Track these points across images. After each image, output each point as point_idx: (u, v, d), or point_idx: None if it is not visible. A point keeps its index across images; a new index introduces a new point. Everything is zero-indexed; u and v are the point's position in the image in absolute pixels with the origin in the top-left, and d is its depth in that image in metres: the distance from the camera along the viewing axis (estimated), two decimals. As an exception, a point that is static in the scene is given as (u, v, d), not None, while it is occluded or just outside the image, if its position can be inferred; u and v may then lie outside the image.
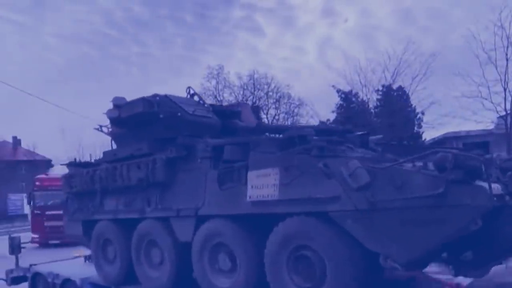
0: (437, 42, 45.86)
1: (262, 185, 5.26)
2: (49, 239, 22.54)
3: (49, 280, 8.81)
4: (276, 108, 44.13)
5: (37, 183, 24.12)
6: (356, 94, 34.24)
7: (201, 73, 62.58)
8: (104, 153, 8.13)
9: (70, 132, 54.35)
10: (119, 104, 7.36)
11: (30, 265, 10.00)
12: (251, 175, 5.38)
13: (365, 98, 34.14)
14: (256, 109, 9.40)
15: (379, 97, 33.75)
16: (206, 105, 7.67)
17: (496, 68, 25.81)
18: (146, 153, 6.93)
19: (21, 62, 78.39)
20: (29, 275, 9.84)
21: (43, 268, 9.68)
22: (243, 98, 44.58)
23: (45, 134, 72.87)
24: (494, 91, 26.07)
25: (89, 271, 8.78)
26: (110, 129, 8.15)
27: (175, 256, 6.53)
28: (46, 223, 22.71)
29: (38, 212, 23.27)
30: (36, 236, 22.88)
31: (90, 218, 8.08)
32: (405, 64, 32.44)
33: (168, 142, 6.84)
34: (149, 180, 6.63)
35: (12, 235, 11.65)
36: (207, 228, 5.94)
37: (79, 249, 11.74)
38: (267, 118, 46.02)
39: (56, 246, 21.91)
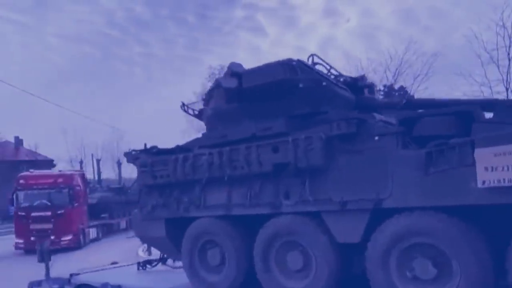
0: (439, 42, 46.27)
1: (507, 166, 4.01)
2: (35, 244, 20.01)
3: None
4: None
5: (20, 181, 21.22)
6: None
7: (203, 73, 63.20)
8: (204, 135, 6.61)
9: (72, 132, 52.36)
10: (238, 72, 5.91)
11: (71, 275, 8.26)
12: (483, 153, 4.12)
13: None
14: (371, 86, 8.24)
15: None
16: (333, 77, 6.34)
17: (498, 68, 25.81)
18: (278, 132, 5.52)
19: (23, 62, 75.70)
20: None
21: (90, 278, 7.92)
22: None
23: (47, 134, 72.05)
24: (496, 91, 26.11)
25: (153, 280, 7.53)
26: (196, 109, 6.97)
27: (332, 261, 5.15)
28: (32, 226, 20.16)
29: (23, 214, 20.52)
30: (20, 241, 20.23)
31: (182, 216, 6.51)
32: (406, 64, 32.10)
33: (303, 119, 5.53)
34: (296, 166, 5.22)
35: (42, 241, 10.09)
36: (407, 226, 4.57)
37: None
38: None
39: None
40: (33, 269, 9.35)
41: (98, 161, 43.91)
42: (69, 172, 23.59)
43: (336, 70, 6.42)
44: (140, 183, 7.00)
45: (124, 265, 9.06)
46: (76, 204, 21.25)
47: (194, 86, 76.78)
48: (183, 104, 7.07)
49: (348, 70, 42.53)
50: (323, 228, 5.18)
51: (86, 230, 22.47)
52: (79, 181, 22.54)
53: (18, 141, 49.10)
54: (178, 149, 6.71)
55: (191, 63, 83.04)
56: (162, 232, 6.80)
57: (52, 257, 9.42)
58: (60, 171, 23.76)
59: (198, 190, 6.21)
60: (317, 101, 5.59)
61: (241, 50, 71.79)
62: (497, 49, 25.57)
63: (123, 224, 28.80)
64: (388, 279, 4.69)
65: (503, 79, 26.24)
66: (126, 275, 8.15)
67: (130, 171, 64.86)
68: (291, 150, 5.24)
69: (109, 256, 19.24)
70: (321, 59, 6.27)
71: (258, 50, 69.52)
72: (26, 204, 20.65)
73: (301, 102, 5.55)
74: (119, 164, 54.06)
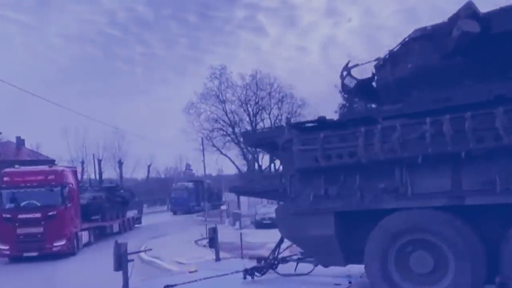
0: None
1: None
2: (23, 250, 17.43)
3: None
4: (279, 108, 44.27)
5: (5, 178, 18.27)
6: None
7: (205, 73, 64.10)
8: (411, 100, 4.98)
9: (74, 132, 52.18)
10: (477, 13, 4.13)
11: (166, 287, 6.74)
12: None
13: None
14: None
15: None
16: None
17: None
18: None
19: (25, 62, 76.72)
20: None
21: None
22: (245, 98, 44.18)
23: (48, 134, 74.43)
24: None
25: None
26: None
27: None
28: (19, 230, 17.49)
29: (8, 216, 17.67)
30: (5, 247, 17.46)
31: (368, 208, 5.09)
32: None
33: None
34: None
35: (119, 241, 7.96)
36: None
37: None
38: (269, 118, 45.52)
39: (32, 259, 17.05)
40: (21, 280, 7.14)
41: (99, 161, 43.80)
42: (60, 168, 20.76)
43: None
44: (292, 167, 5.46)
45: (226, 274, 6.96)
46: (69, 205, 18.60)
47: (195, 86, 77.46)
48: (344, 70, 5.82)
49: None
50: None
51: (79, 233, 19.83)
52: (71, 178, 19.84)
53: (20, 141, 48.33)
54: (351, 121, 5.20)
55: (192, 63, 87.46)
56: (329, 230, 5.35)
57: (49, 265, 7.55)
58: (50, 166, 20.75)
59: (400, 174, 4.79)
60: None
61: (242, 50, 71.81)
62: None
63: (116, 227, 26.43)
64: None
65: None
66: (234, 286, 6.68)
67: (131, 171, 64.65)
68: None
69: (109, 262, 16.88)
70: None
71: (259, 50, 69.90)
72: (12, 205, 17.93)
73: None
74: (120, 163, 53.41)
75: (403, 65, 5.21)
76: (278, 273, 6.79)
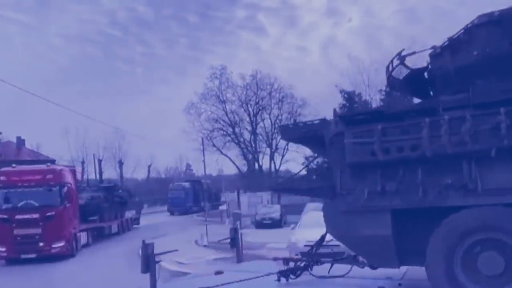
0: (442, 41, 46.03)
1: None
2: (20, 252, 16.90)
3: None
4: (279, 108, 44.14)
5: (1, 177, 17.83)
6: (359, 94, 33.14)
7: (205, 73, 64.27)
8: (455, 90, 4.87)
9: (74, 132, 52.94)
10: None
11: None
12: None
13: (368, 98, 33.26)
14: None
15: (382, 97, 32.92)
16: None
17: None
18: None
19: (25, 62, 76.92)
20: None
21: None
22: (246, 98, 44.10)
23: (49, 134, 73.65)
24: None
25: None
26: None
27: None
28: (16, 231, 17.01)
29: (5, 217, 17.22)
30: (2, 249, 17.03)
31: (432, 205, 4.80)
32: (409, 64, 32.30)
33: None
34: None
35: (146, 242, 7.51)
36: None
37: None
38: (270, 118, 45.41)
39: (30, 262, 16.58)
40: (19, 283, 6.85)
41: (100, 161, 43.63)
42: (59, 167, 20.44)
43: None
44: (342, 162, 5.15)
45: (257, 277, 6.55)
46: (68, 205, 18.21)
47: (195, 86, 77.74)
48: (397, 59, 5.44)
49: (351, 70, 42.11)
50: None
51: (78, 234, 19.46)
52: (70, 177, 19.49)
53: (20, 141, 47.90)
54: (409, 112, 4.93)
55: (192, 63, 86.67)
56: (385, 229, 4.99)
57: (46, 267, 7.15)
58: (48, 165, 20.24)
59: (469, 168, 4.53)
60: None
61: (242, 50, 71.86)
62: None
63: (114, 228, 26.11)
64: None
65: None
66: None
67: (131, 171, 64.86)
68: None
69: (111, 264, 16.86)
70: None
71: (259, 50, 70.07)
72: (9, 205, 17.40)
73: None
74: (120, 164, 53.34)
75: (466, 53, 4.93)
76: (313, 275, 6.33)
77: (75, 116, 65.27)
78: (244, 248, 15.39)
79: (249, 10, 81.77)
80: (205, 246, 19.32)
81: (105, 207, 24.27)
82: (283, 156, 48.17)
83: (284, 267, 6.68)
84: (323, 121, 5.56)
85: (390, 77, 5.77)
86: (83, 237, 20.45)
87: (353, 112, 5.36)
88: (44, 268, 15.60)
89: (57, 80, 78.31)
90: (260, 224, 27.82)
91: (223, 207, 35.94)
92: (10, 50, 77.61)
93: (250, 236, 20.59)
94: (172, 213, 46.75)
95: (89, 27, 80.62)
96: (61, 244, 17.43)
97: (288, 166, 52.63)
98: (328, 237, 15.63)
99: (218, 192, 50.44)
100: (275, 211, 30.64)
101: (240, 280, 6.44)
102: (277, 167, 49.57)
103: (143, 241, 7.52)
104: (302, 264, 6.41)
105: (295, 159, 46.45)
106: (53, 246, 17.21)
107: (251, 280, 6.44)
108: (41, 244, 16.98)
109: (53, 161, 41.65)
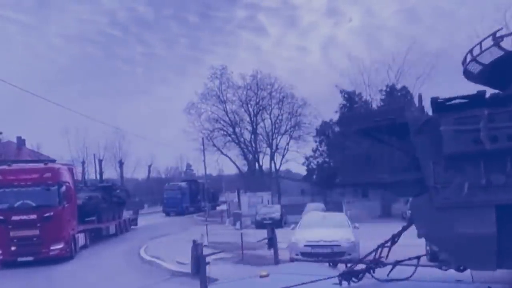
0: (443, 41, 45.98)
1: None
2: (17, 255, 16.30)
3: None
4: (279, 108, 44.11)
5: None
6: (360, 94, 33.08)
7: (205, 73, 64.50)
8: None
9: (74, 132, 52.89)
10: None
11: None
12: None
13: (368, 98, 33.27)
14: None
15: (382, 97, 33.06)
16: None
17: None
18: None
19: (25, 62, 76.96)
20: None
21: None
22: (246, 98, 44.13)
23: (49, 134, 73.64)
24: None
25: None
26: None
27: None
28: (12, 233, 16.40)
29: (1, 218, 16.62)
30: (-3, 252, 16.47)
31: None
32: (409, 64, 32.32)
33: None
34: None
35: (196, 241, 7.16)
36: None
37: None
38: (270, 118, 45.35)
39: (27, 265, 16.06)
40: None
41: (100, 161, 43.68)
42: (57, 166, 19.95)
43: None
44: (436, 153, 4.52)
45: (320, 279, 6.03)
46: (66, 205, 17.68)
47: (195, 86, 77.88)
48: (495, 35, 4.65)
49: (351, 70, 42.18)
50: None
51: (76, 236, 19.01)
52: (68, 176, 19.04)
53: (21, 141, 47.97)
54: None
55: (192, 63, 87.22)
56: (489, 227, 4.35)
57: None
58: (45, 163, 19.62)
59: None
60: None
61: (242, 50, 71.90)
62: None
63: (112, 229, 25.76)
64: None
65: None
66: None
67: (132, 171, 64.88)
68: None
69: (112, 265, 16.60)
70: None
71: (259, 50, 70.03)
72: (5, 206, 16.68)
73: None
74: (121, 164, 53.32)
75: None
76: (376, 278, 5.78)
77: (75, 116, 65.64)
78: (244, 249, 15.20)
79: (249, 10, 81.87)
80: (205, 246, 19.08)
81: (103, 208, 23.83)
82: (283, 156, 48.15)
83: (335, 270, 6.20)
84: (402, 107, 4.96)
85: (471, 62, 5.12)
86: (81, 239, 19.89)
87: (449, 97, 4.66)
88: (42, 271, 15.08)
89: (57, 80, 78.53)
90: (261, 224, 27.60)
91: (221, 207, 35.75)
92: (10, 50, 77.83)
93: (251, 236, 20.34)
94: (167, 214, 45.22)
95: (89, 27, 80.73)
96: (60, 246, 16.88)
97: (288, 166, 52.60)
98: (328, 237, 14.86)
99: (216, 192, 50.16)
100: (275, 211, 30.48)
101: (301, 284, 5.94)
102: (277, 167, 49.44)
103: (194, 241, 7.11)
104: (364, 267, 5.83)
105: (295, 159, 46.45)
106: (52, 248, 16.62)
107: (311, 283, 5.96)
108: (39, 246, 16.35)
109: (53, 161, 41.77)
